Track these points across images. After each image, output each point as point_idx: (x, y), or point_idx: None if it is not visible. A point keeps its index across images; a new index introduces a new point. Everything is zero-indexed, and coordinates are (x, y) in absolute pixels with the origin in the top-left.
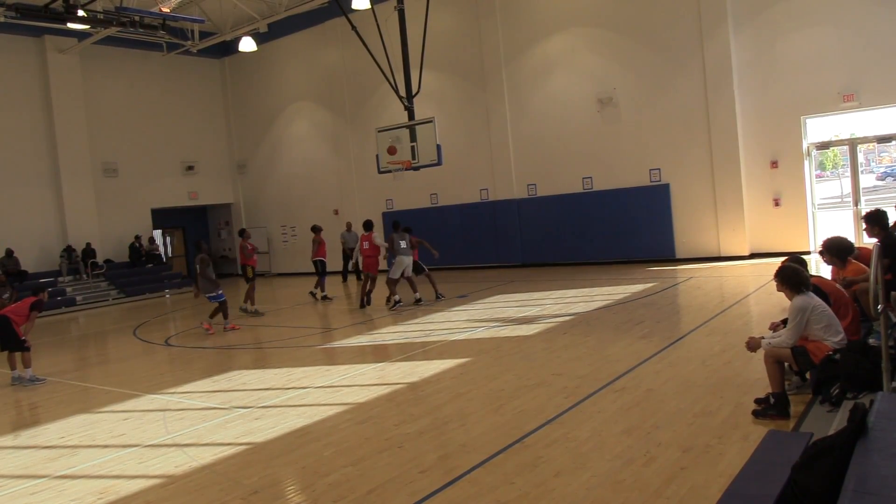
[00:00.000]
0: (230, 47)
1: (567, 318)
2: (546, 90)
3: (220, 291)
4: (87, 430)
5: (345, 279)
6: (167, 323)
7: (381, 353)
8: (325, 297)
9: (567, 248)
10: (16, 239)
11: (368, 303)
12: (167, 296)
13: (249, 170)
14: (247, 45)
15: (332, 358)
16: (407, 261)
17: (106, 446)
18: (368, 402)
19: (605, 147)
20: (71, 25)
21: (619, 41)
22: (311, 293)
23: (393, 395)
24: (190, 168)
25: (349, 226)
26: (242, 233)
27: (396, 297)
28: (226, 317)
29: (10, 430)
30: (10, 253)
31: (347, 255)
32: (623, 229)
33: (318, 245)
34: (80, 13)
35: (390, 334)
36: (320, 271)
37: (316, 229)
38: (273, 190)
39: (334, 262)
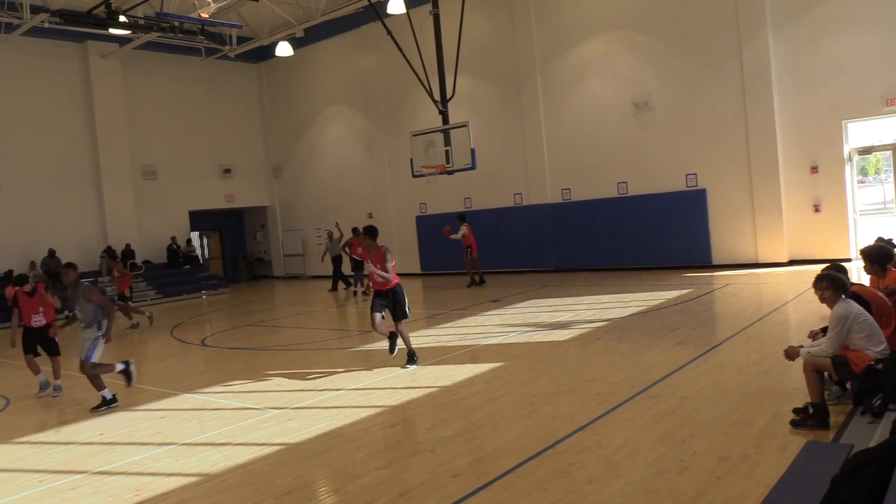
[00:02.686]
0: (267, 52)
1: (601, 323)
2: (581, 94)
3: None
4: (125, 428)
5: (334, 287)
6: (203, 323)
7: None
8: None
9: (601, 253)
10: (58, 240)
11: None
12: (204, 297)
13: (285, 173)
14: (283, 49)
15: (366, 360)
16: None
17: (143, 444)
18: (401, 405)
19: (640, 152)
20: (113, 31)
21: (655, 45)
22: (354, 291)
23: (425, 399)
24: (227, 171)
25: (330, 234)
26: (112, 253)
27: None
28: None
29: (51, 427)
30: (52, 253)
31: (336, 263)
32: (658, 235)
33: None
34: (122, 19)
35: (423, 337)
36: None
37: (355, 232)
38: (308, 193)
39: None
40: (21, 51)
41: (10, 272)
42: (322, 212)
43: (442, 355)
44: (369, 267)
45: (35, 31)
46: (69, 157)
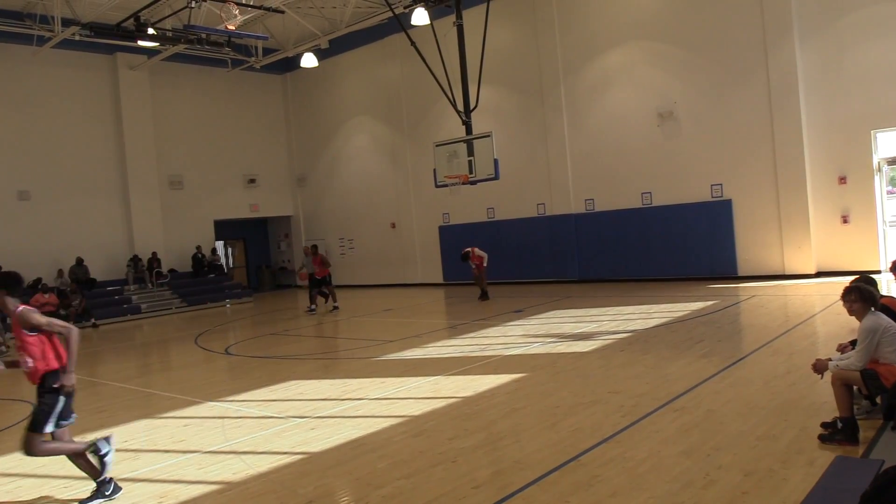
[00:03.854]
0: (292, 63)
1: (624, 335)
2: (605, 104)
3: None
4: (149, 435)
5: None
6: (227, 332)
7: (435, 367)
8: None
9: (625, 264)
10: (86, 248)
11: None
12: (228, 305)
13: (309, 183)
14: (308, 61)
15: (388, 370)
16: None
17: (167, 451)
18: (423, 416)
19: (664, 162)
20: (141, 43)
21: (679, 54)
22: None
23: (447, 409)
24: (252, 181)
25: (307, 250)
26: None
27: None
28: None
29: (77, 433)
30: (80, 261)
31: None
32: (683, 245)
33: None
34: (151, 31)
35: (445, 348)
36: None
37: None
38: (331, 203)
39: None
40: (52, 63)
41: (38, 280)
42: (346, 222)
43: (464, 366)
44: None
45: (66, 44)
46: (98, 166)
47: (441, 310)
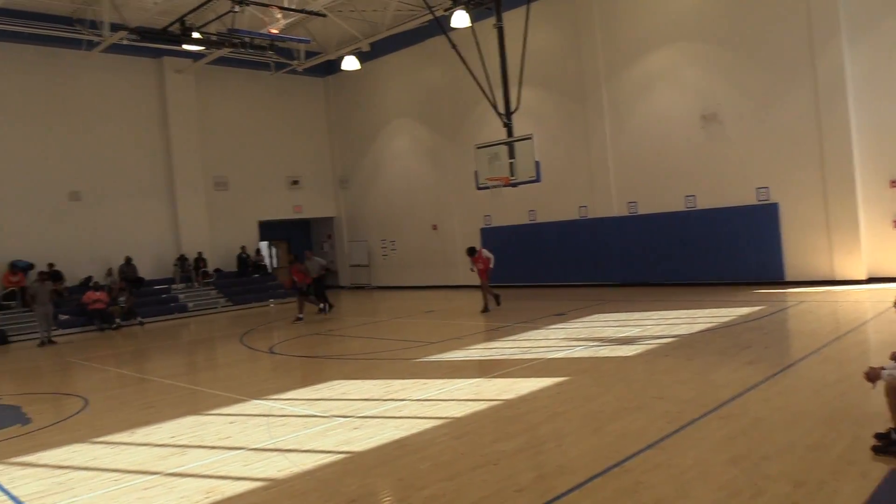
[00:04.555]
0: (334, 66)
1: (669, 339)
2: (647, 106)
3: None
4: (196, 432)
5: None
6: (271, 331)
7: (477, 369)
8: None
9: (669, 267)
10: (134, 247)
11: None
12: (271, 305)
13: (351, 184)
14: (350, 63)
15: (430, 371)
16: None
17: (213, 447)
18: (465, 418)
19: (708, 165)
20: (186, 47)
21: (723, 55)
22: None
23: (489, 412)
24: (295, 182)
25: (308, 255)
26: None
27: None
28: None
29: (127, 428)
30: (128, 260)
31: (318, 282)
32: (728, 250)
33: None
34: (196, 35)
35: (487, 350)
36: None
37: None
38: (373, 204)
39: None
40: (102, 67)
41: (89, 278)
42: (387, 223)
43: (506, 368)
44: None
45: (114, 49)
46: (145, 168)
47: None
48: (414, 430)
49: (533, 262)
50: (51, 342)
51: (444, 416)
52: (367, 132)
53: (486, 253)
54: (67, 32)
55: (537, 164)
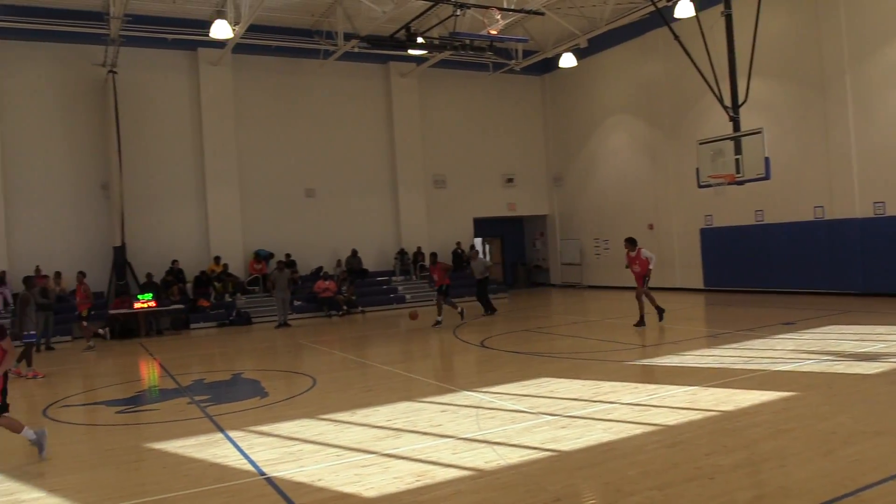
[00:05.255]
0: (551, 64)
1: None
2: None
3: (33, 332)
4: (409, 417)
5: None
6: (483, 326)
7: (693, 376)
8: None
9: None
10: (360, 241)
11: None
12: None
13: (565, 182)
14: (567, 60)
15: (642, 375)
16: None
17: (425, 433)
18: (678, 426)
19: None
20: (411, 52)
21: None
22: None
23: (705, 422)
24: (510, 180)
25: (474, 254)
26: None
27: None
28: (29, 363)
29: (349, 408)
30: (354, 253)
31: (481, 284)
32: None
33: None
34: (420, 40)
35: (704, 357)
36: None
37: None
38: (587, 203)
39: None
40: (334, 74)
41: (319, 268)
42: (601, 222)
43: (725, 378)
44: None
45: (346, 56)
46: (372, 167)
47: (700, 316)
48: (623, 435)
49: (758, 266)
50: (286, 325)
51: (655, 422)
52: (582, 129)
53: (646, 252)
54: (307, 44)
55: (767, 160)
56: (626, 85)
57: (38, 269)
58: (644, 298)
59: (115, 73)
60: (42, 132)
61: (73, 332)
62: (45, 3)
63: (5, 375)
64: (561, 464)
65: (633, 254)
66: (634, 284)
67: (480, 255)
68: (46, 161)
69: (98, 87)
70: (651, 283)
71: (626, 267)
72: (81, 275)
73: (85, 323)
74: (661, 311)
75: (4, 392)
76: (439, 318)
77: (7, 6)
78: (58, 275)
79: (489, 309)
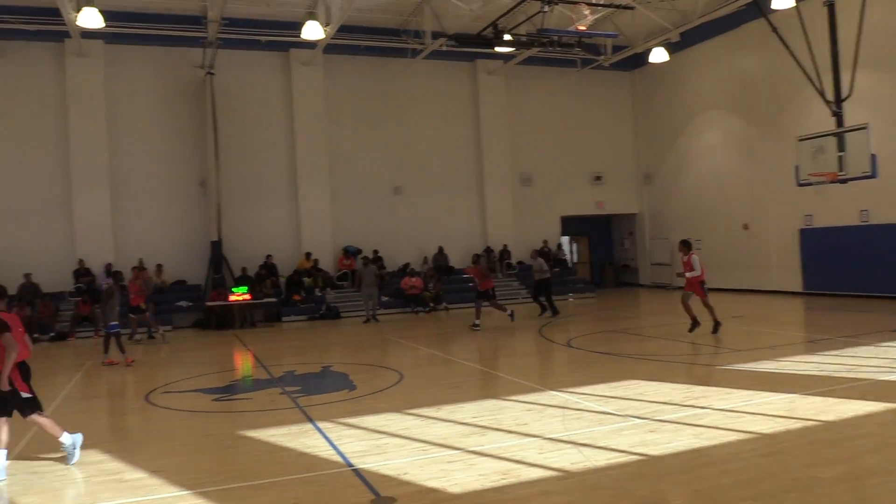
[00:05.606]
0: (641, 59)
1: None
2: None
3: (114, 323)
4: (495, 415)
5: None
6: (569, 325)
7: (790, 383)
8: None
9: None
10: (446, 238)
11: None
12: (570, 300)
13: (655, 180)
14: (658, 55)
15: (735, 380)
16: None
17: (510, 432)
18: (775, 435)
19: None
20: (498, 49)
21: None
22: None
23: (804, 432)
24: (598, 178)
25: (533, 254)
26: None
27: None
28: (122, 350)
29: (434, 404)
30: (440, 250)
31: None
32: None
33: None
34: (507, 37)
35: (803, 364)
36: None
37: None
38: (678, 201)
39: None
40: (422, 72)
41: (406, 265)
42: (692, 221)
43: (826, 386)
44: None
45: (434, 55)
46: (458, 165)
47: (799, 321)
48: (715, 441)
49: (863, 269)
50: (374, 320)
51: (749, 430)
52: (673, 125)
53: (696, 260)
54: (395, 43)
55: (873, 157)
56: (720, 80)
57: (140, 262)
58: (693, 304)
59: (212, 74)
60: (146, 132)
61: (172, 322)
62: (151, 9)
63: (22, 373)
64: (649, 468)
65: (685, 258)
66: (728, 287)
67: (541, 258)
68: (149, 159)
69: (197, 89)
70: (747, 286)
71: (679, 275)
72: (137, 269)
73: (134, 316)
74: (695, 324)
75: (15, 392)
76: (477, 322)
77: (117, 12)
78: (159, 267)
79: (551, 310)
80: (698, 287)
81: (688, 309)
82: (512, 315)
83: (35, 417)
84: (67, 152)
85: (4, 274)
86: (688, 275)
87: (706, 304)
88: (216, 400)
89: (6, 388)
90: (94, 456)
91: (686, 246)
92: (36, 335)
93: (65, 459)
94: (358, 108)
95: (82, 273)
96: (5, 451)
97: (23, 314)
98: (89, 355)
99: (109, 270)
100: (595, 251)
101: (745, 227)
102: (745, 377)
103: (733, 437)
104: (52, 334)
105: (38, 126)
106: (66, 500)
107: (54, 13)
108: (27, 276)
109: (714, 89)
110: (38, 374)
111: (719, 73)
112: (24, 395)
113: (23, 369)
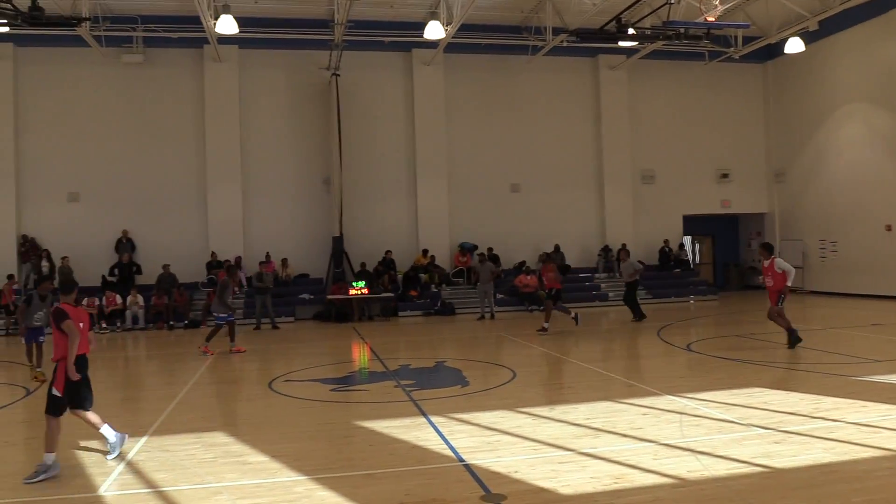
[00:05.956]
0: (775, 50)
1: None
2: None
3: (230, 313)
4: (608, 417)
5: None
6: (690, 328)
7: None
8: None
9: None
10: (563, 236)
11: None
12: (692, 302)
13: (788, 178)
14: (794, 46)
15: (871, 393)
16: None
17: (624, 435)
18: None
19: None
20: (622, 44)
21: None
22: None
23: None
24: (724, 176)
25: (623, 255)
26: (230, 269)
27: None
28: (232, 338)
29: (547, 403)
30: (557, 248)
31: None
32: None
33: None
34: (631, 31)
35: None
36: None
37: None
38: (813, 200)
39: None
40: (541, 69)
41: (522, 263)
42: (828, 222)
43: None
44: None
45: (554, 51)
46: (577, 161)
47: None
48: (847, 457)
49: None
50: (491, 317)
51: (886, 446)
52: (809, 120)
53: (782, 264)
54: (515, 40)
55: None
56: (864, 70)
57: (267, 256)
58: (779, 319)
59: (338, 75)
60: (274, 132)
61: (295, 314)
62: (280, 14)
63: (79, 366)
64: (773, 481)
65: (766, 263)
66: (866, 293)
67: (631, 259)
68: (277, 157)
69: (323, 89)
70: (890, 291)
71: (759, 279)
72: (262, 263)
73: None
74: (792, 335)
75: (71, 385)
76: (546, 325)
77: (250, 18)
78: (284, 261)
79: (637, 314)
80: (775, 296)
81: (782, 323)
82: (577, 318)
83: (80, 412)
84: (204, 151)
85: (146, 264)
86: (769, 283)
87: (780, 316)
88: (334, 390)
89: (76, 377)
90: (221, 438)
91: (767, 250)
92: (171, 322)
93: (193, 443)
94: (477, 106)
95: (214, 265)
96: (108, 426)
97: (160, 302)
98: (218, 343)
99: (239, 263)
100: (719, 252)
101: (888, 228)
102: (883, 390)
103: (868, 453)
104: (186, 322)
105: (178, 127)
106: (194, 479)
107: (194, 21)
108: (165, 266)
109: (856, 81)
110: (173, 358)
111: (862, 64)
112: (55, 393)
113: (80, 362)
